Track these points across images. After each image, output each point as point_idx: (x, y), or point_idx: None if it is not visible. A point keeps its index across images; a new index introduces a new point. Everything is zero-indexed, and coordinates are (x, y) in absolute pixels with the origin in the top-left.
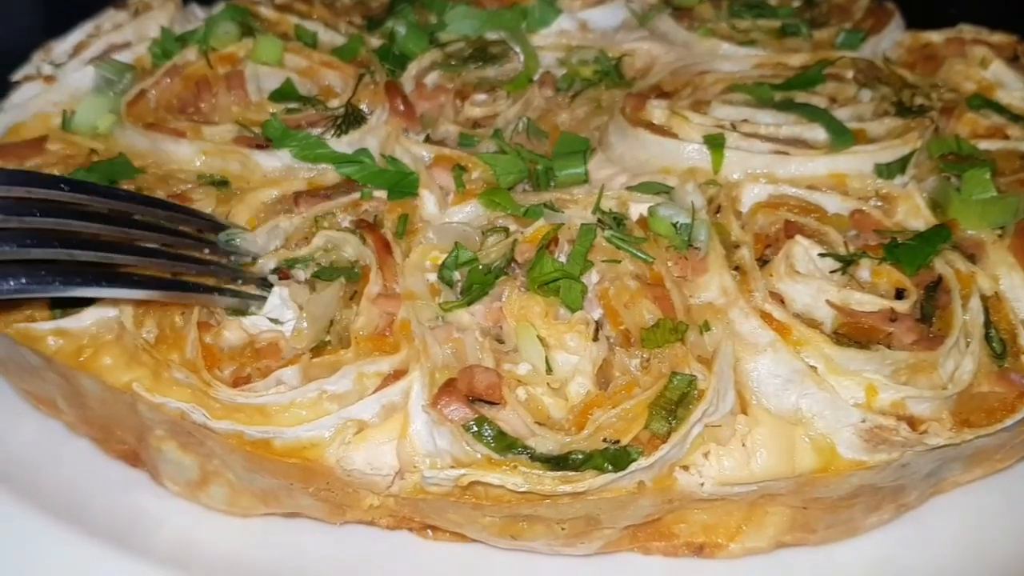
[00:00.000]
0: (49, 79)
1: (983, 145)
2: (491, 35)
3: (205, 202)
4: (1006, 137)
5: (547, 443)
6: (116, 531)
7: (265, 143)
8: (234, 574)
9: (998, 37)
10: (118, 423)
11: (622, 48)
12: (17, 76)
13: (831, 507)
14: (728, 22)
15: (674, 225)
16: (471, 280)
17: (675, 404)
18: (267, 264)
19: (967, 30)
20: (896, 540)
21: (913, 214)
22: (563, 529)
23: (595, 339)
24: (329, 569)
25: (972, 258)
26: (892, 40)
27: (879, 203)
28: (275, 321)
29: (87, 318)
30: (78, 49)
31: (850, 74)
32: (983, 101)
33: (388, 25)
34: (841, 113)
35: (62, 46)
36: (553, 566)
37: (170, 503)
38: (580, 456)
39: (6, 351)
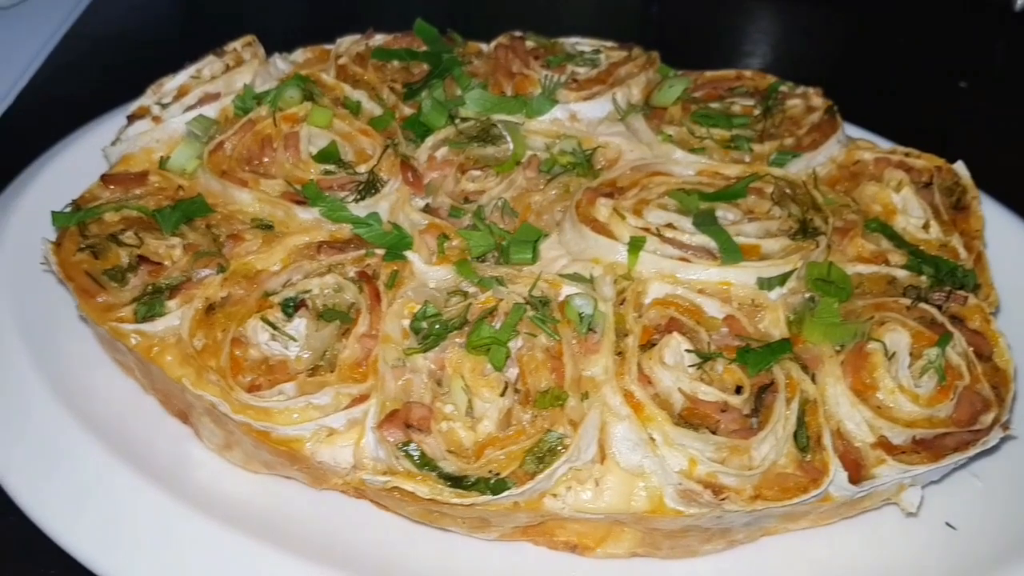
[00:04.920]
0: (156, 119)
1: (859, 268)
2: (496, 118)
3: (253, 242)
4: (886, 261)
5: (451, 466)
6: (167, 468)
7: (303, 199)
8: (246, 509)
9: (923, 161)
10: (174, 396)
11: (599, 140)
12: (132, 109)
13: (669, 535)
14: (689, 127)
15: (580, 315)
16: (431, 331)
17: (545, 453)
18: (287, 293)
19: (898, 151)
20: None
21: (775, 324)
22: (464, 522)
23: (503, 395)
24: (309, 516)
25: (806, 368)
26: (828, 155)
27: (754, 309)
28: (288, 339)
29: (160, 325)
30: (181, 91)
31: (770, 189)
32: (879, 225)
33: (421, 96)
34: (749, 227)
35: (171, 83)
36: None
37: (208, 455)
38: (472, 479)
39: (102, 335)
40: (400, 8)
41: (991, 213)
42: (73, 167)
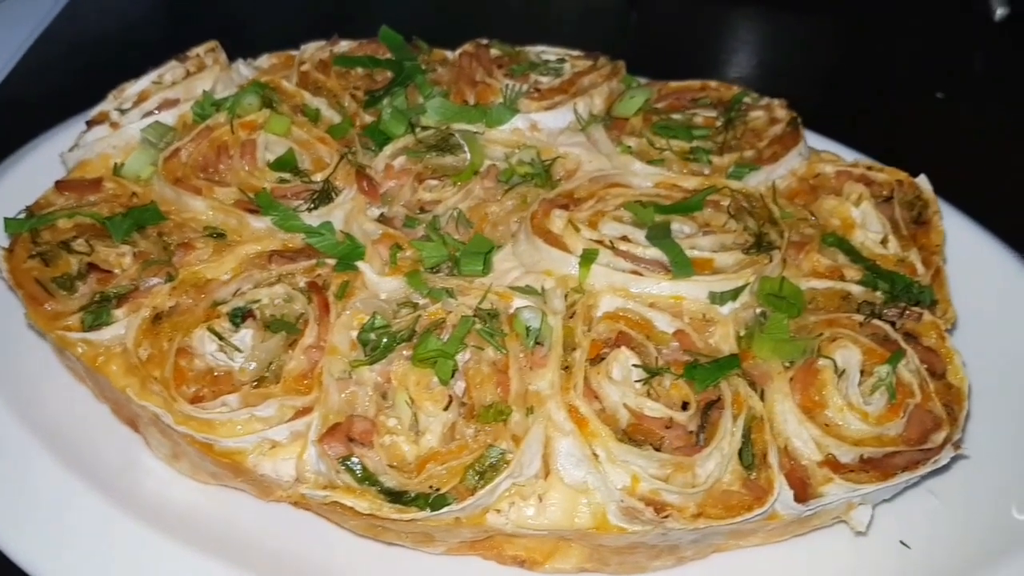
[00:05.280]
0: (115, 125)
1: (813, 284)
2: (455, 127)
3: (204, 250)
4: (841, 276)
5: (392, 481)
6: (116, 476)
7: (256, 208)
8: (193, 519)
9: (884, 175)
10: (124, 405)
11: (559, 150)
12: (92, 114)
13: (616, 551)
14: (649, 138)
15: (528, 328)
16: (379, 343)
17: (486, 468)
18: (236, 303)
19: (861, 163)
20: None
21: (724, 340)
22: (408, 536)
23: (446, 409)
24: (256, 528)
25: (755, 385)
26: (789, 167)
27: (705, 323)
28: (234, 349)
29: (106, 334)
30: (141, 97)
31: (727, 203)
32: (836, 240)
33: (383, 103)
34: (704, 241)
35: (132, 88)
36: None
37: (157, 463)
38: (412, 495)
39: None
40: (388, 12)
41: (959, 227)
42: (34, 172)
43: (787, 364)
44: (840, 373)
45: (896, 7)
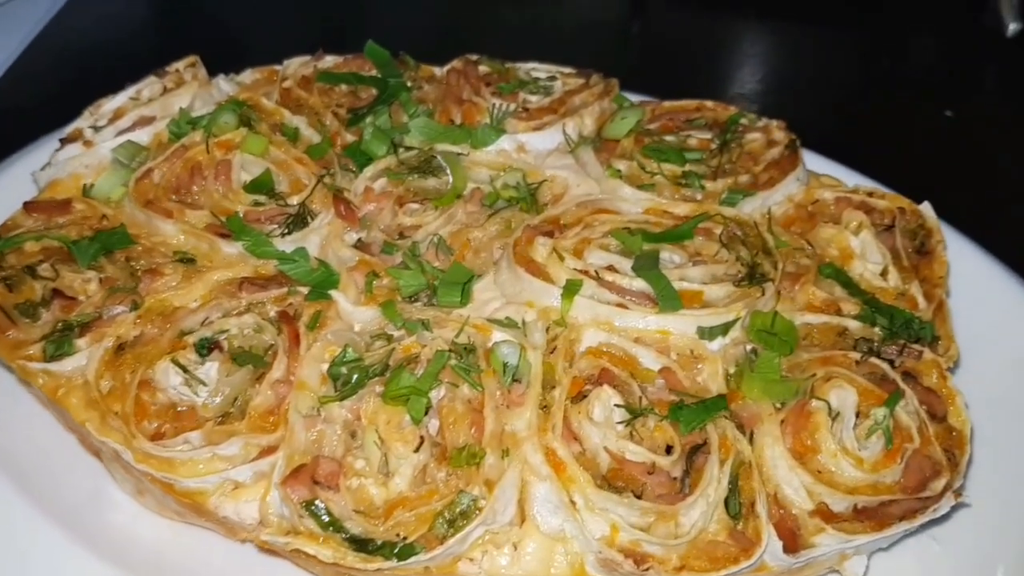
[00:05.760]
0: (88, 143)
1: (808, 318)
2: (439, 147)
3: (172, 277)
4: (838, 310)
5: (357, 527)
6: (81, 508)
7: (227, 232)
8: (160, 555)
9: (886, 202)
10: (86, 437)
11: (546, 173)
12: (68, 131)
13: None
14: (640, 161)
15: (505, 364)
16: (351, 376)
17: (457, 516)
18: (204, 332)
19: (861, 189)
20: None
21: (712, 378)
22: None
23: (417, 450)
24: (223, 570)
25: (743, 427)
26: (786, 193)
27: (692, 360)
28: (198, 383)
29: (68, 365)
30: (117, 114)
31: (720, 231)
32: (833, 271)
33: (366, 122)
34: (694, 271)
35: (108, 105)
36: None
37: (124, 496)
38: (378, 543)
39: None
40: (382, 23)
41: (965, 255)
42: (8, 191)
43: (778, 405)
44: (834, 416)
45: (904, 21)
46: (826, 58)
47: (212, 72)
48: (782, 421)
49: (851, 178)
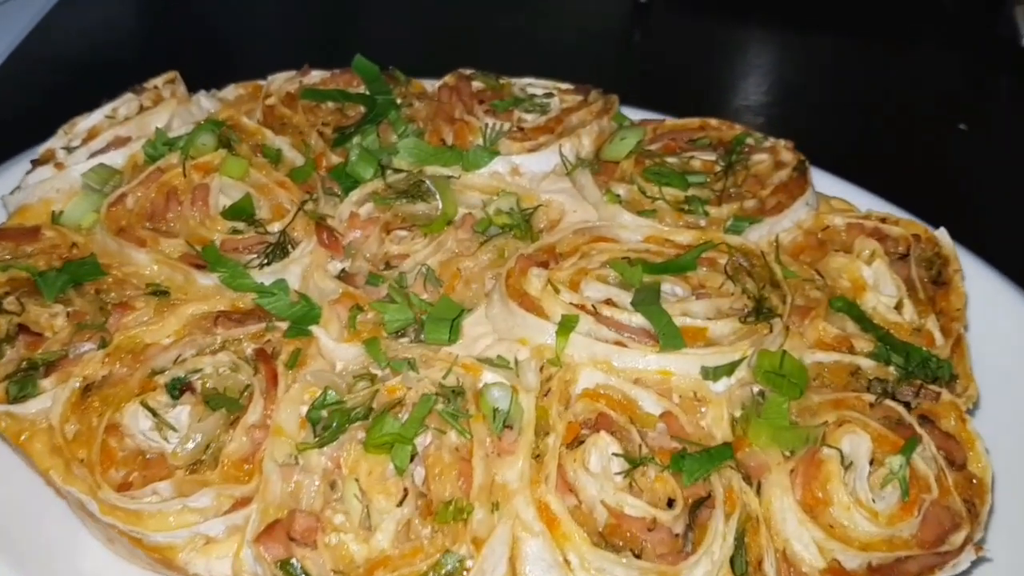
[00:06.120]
0: (59, 166)
1: (818, 357)
2: (429, 170)
3: (145, 311)
4: (850, 347)
5: None
6: (51, 554)
7: (203, 263)
8: None
9: (900, 229)
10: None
11: (541, 198)
12: (41, 150)
13: None
14: (641, 185)
15: (495, 409)
16: (332, 421)
17: None
18: (176, 372)
19: (874, 215)
20: None
21: (717, 423)
22: None
23: (400, 504)
24: None
25: (750, 478)
26: (794, 219)
27: (695, 403)
28: (169, 428)
29: (32, 407)
30: (91, 133)
31: (724, 261)
32: (845, 305)
33: (352, 142)
34: (697, 306)
35: (83, 123)
36: None
37: (96, 543)
38: None
39: None
40: (376, 35)
41: (984, 283)
42: None
43: (787, 453)
44: (847, 464)
45: (915, 30)
46: (834, 68)
47: (198, 84)
48: (791, 471)
49: (861, 198)
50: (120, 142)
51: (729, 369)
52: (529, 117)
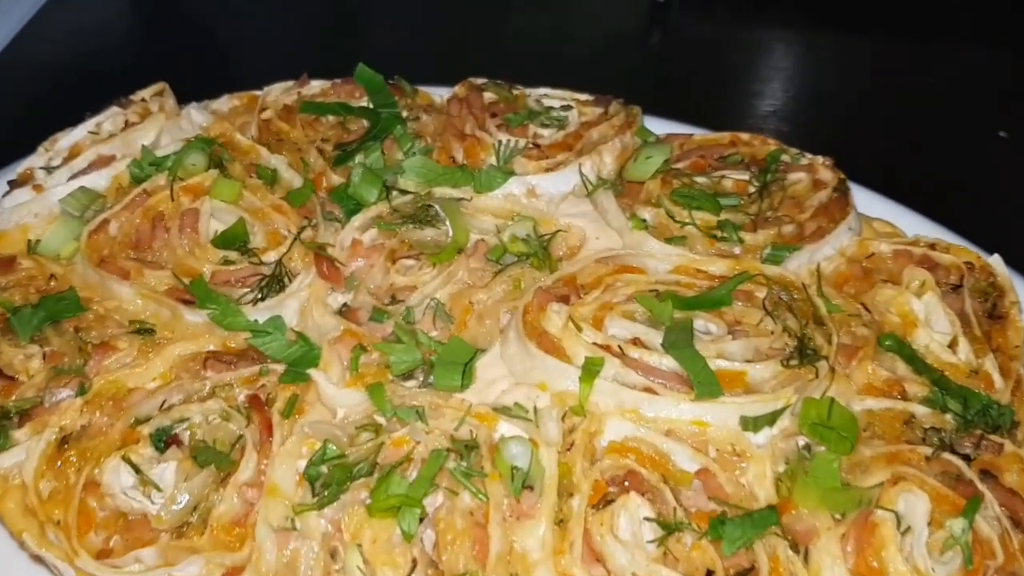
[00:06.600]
0: (38, 188)
1: (868, 404)
2: (437, 191)
3: (128, 351)
4: (902, 392)
5: None
6: None
7: (191, 298)
8: None
9: (951, 257)
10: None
11: (560, 222)
12: (19, 170)
13: None
14: (668, 208)
15: (513, 468)
16: (332, 478)
17: None
18: (161, 421)
19: (922, 240)
20: None
21: (759, 481)
22: None
23: None
24: None
25: (797, 546)
26: (837, 246)
27: (734, 458)
28: (153, 488)
29: (5, 460)
30: (73, 152)
31: (762, 294)
32: (896, 344)
33: (355, 161)
34: (734, 346)
35: (65, 140)
36: None
37: None
38: None
39: None
40: (381, 41)
41: None
42: None
43: (838, 516)
44: (904, 529)
45: (950, 28)
46: (864, 72)
47: (189, 93)
48: (842, 535)
49: (901, 217)
50: (103, 161)
51: (771, 419)
52: (545, 132)
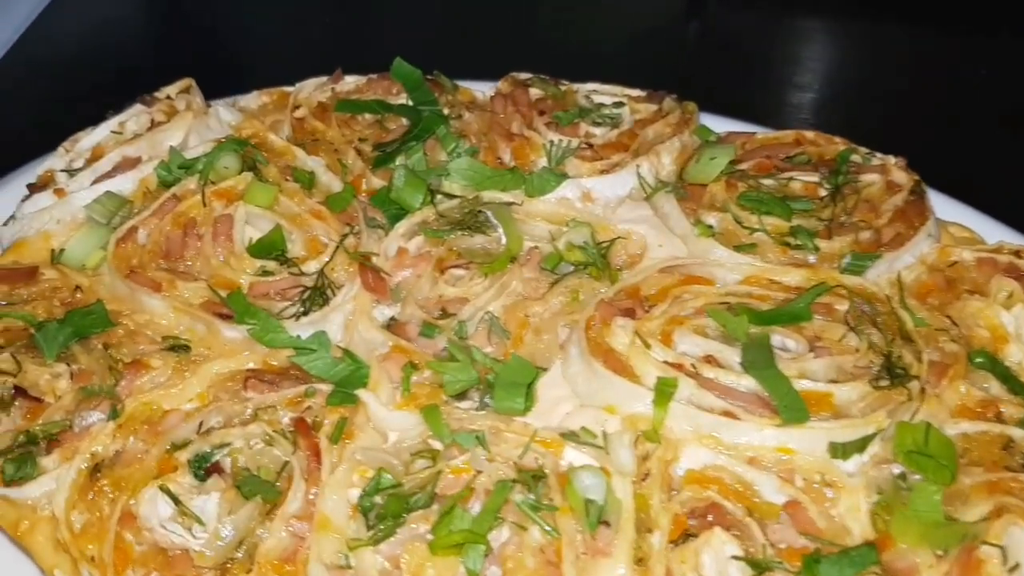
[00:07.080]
0: (60, 192)
1: (963, 427)
2: (486, 195)
3: (162, 370)
4: (998, 414)
5: None
6: None
7: (229, 312)
8: None
9: None
10: None
11: (618, 228)
12: (39, 172)
13: None
14: (735, 213)
15: (587, 501)
16: (388, 510)
17: None
18: (200, 447)
19: (1005, 248)
20: None
21: (852, 514)
22: None
23: None
24: None
25: None
26: (917, 253)
27: (823, 488)
28: (196, 520)
29: (33, 490)
30: (96, 153)
31: (844, 307)
32: (988, 360)
33: (396, 163)
34: (816, 364)
35: (87, 140)
36: None
37: None
38: None
39: None
40: (406, 35)
41: None
42: None
43: (940, 552)
44: (1012, 568)
45: (1007, 19)
46: (913, 62)
47: (214, 89)
48: (945, 574)
49: (972, 219)
50: (129, 163)
51: (861, 445)
52: (598, 131)
